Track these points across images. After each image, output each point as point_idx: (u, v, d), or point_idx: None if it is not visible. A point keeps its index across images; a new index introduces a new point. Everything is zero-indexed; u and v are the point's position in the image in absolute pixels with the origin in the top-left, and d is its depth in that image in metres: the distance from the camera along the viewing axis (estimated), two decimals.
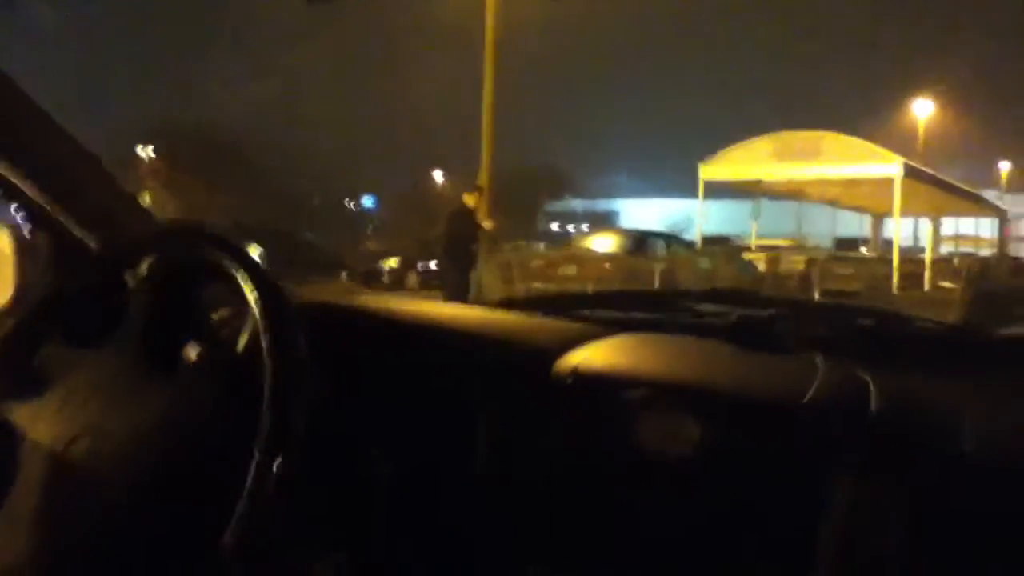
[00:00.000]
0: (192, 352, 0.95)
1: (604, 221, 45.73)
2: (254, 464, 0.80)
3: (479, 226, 9.86)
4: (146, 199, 37.62)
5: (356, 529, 1.07)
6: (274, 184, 35.75)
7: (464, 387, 1.10)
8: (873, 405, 1.00)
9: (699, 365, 1.17)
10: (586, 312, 1.48)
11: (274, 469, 0.80)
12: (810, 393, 1.01)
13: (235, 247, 0.95)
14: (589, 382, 1.08)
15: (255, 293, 0.89)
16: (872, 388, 1.04)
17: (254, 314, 0.89)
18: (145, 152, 35.17)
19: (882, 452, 0.95)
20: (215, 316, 1.12)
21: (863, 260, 15.08)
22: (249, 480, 0.80)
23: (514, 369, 1.13)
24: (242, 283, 0.91)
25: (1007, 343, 1.44)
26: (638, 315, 1.51)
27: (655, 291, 6.86)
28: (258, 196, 33.33)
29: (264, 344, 0.86)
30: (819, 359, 1.14)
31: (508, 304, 1.61)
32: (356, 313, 1.26)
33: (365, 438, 1.09)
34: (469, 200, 9.95)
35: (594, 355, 1.14)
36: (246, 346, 0.95)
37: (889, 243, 19.03)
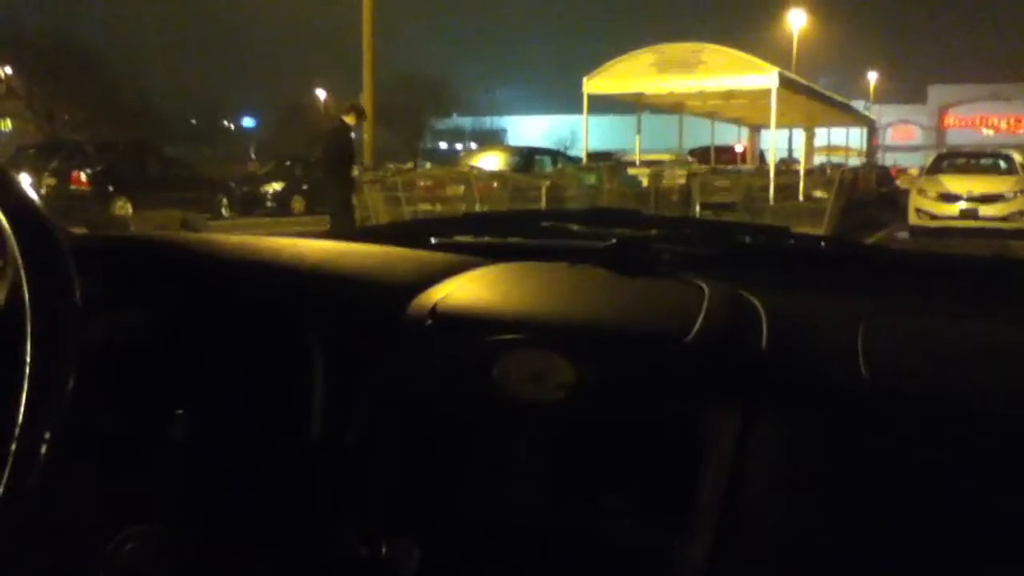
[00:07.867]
0: None
1: (491, 139, 45.48)
2: (15, 438, 0.66)
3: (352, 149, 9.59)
4: (7, 125, 34.49)
5: (158, 501, 0.94)
6: (135, 98, 33.13)
7: (294, 334, 0.97)
8: (764, 337, 0.93)
9: (573, 298, 1.09)
10: (453, 239, 1.39)
11: (41, 441, 0.66)
12: (696, 326, 0.94)
13: None
14: (449, 322, 0.97)
15: (14, 231, 0.70)
16: (763, 316, 0.97)
17: (13, 257, 0.71)
18: (1, 71, 32.49)
19: (774, 389, 0.88)
20: None
21: (740, 173, 15.49)
22: (9, 460, 0.66)
23: (358, 311, 1.00)
24: None
25: (878, 253, 1.42)
26: (510, 240, 1.43)
27: (526, 212, 6.64)
28: (115, 111, 30.90)
29: (25, 295, 0.69)
30: (704, 283, 1.07)
31: (371, 234, 1.50)
32: (171, 250, 1.10)
33: (168, 397, 0.95)
34: (349, 119, 9.70)
35: (456, 291, 1.04)
36: (7, 299, 0.77)
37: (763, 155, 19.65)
